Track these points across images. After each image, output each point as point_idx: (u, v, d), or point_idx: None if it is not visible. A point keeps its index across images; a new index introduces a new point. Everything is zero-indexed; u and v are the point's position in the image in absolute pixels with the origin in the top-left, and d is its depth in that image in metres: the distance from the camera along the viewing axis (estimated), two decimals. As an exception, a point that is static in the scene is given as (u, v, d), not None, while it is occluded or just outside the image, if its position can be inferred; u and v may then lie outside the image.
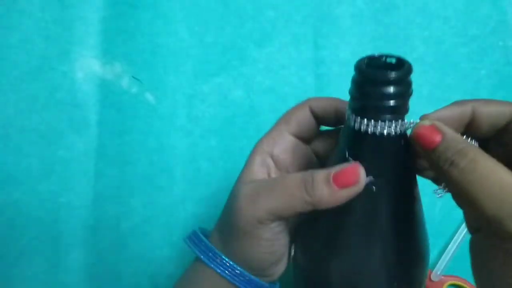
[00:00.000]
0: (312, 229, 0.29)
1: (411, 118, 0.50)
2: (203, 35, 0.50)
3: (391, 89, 0.23)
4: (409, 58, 0.50)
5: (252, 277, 0.30)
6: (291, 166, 0.31)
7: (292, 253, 0.31)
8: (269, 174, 0.31)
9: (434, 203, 0.48)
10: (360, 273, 0.26)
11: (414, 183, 0.27)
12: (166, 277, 0.48)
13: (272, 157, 0.31)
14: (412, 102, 0.50)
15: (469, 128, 0.27)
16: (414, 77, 0.51)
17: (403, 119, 0.24)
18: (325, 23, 0.50)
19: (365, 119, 0.24)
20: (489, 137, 0.27)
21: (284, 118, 0.31)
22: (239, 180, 0.30)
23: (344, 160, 0.26)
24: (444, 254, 0.47)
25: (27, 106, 0.49)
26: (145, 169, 0.49)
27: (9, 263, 0.47)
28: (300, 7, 0.50)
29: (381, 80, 0.23)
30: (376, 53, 0.25)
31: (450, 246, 0.47)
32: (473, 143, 0.27)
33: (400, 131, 0.24)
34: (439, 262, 0.47)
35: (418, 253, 0.27)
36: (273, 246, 0.29)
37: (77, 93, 0.49)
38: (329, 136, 0.32)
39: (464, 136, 0.27)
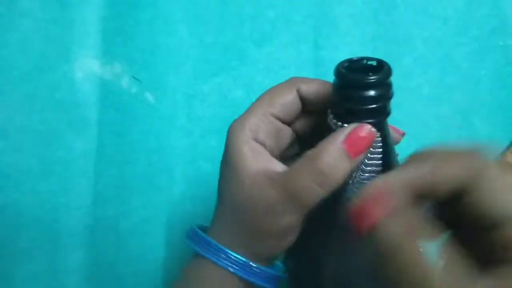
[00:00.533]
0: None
1: (412, 118, 0.50)
2: (203, 35, 0.50)
3: (372, 92, 0.23)
4: (409, 58, 0.51)
5: (272, 271, 0.29)
6: (275, 149, 0.30)
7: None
8: (268, 162, 0.29)
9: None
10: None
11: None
12: (166, 278, 0.48)
13: (258, 142, 0.29)
14: (412, 102, 0.50)
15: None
16: (414, 77, 0.51)
17: (385, 121, 0.24)
18: (325, 23, 0.50)
19: (347, 124, 0.24)
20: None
21: (268, 99, 0.29)
22: (237, 177, 0.28)
23: None
24: None
25: (27, 106, 0.49)
26: (145, 169, 0.49)
27: (8, 263, 0.47)
28: (300, 7, 0.51)
29: (361, 83, 0.23)
30: (355, 56, 0.25)
31: None
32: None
33: (386, 129, 0.24)
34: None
35: None
36: (291, 241, 0.28)
37: (77, 93, 0.49)
38: (310, 116, 0.31)
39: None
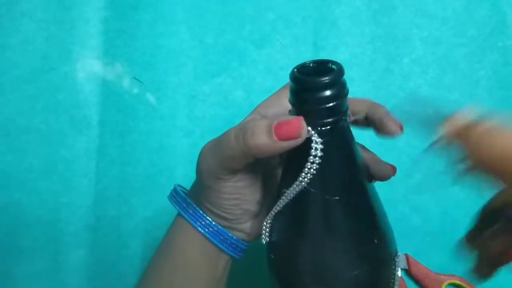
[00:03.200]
0: (280, 221, 0.29)
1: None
2: (203, 36, 0.51)
3: (326, 93, 0.24)
4: (408, 58, 0.51)
5: (220, 227, 0.30)
6: None
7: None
8: None
9: (434, 203, 0.48)
10: (321, 262, 0.27)
11: (365, 176, 0.28)
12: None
13: (263, 117, 0.31)
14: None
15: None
16: (413, 78, 0.51)
17: (344, 118, 0.25)
18: (324, 24, 0.50)
19: (308, 125, 0.25)
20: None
21: (262, 111, 0.32)
22: None
23: (294, 166, 0.26)
24: None
25: (29, 107, 0.49)
26: (146, 169, 0.49)
27: (10, 262, 0.48)
28: (299, 8, 0.51)
29: (313, 86, 0.24)
30: (308, 60, 0.26)
31: None
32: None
33: (344, 128, 0.25)
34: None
35: (379, 227, 0.28)
36: (237, 200, 0.29)
37: (79, 93, 0.49)
38: None
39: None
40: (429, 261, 0.48)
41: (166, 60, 0.50)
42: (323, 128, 0.25)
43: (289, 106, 0.29)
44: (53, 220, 0.48)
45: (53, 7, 0.50)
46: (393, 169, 0.31)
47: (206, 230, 0.30)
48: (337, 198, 0.26)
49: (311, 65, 0.26)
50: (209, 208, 0.30)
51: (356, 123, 0.32)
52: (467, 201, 0.48)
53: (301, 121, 0.25)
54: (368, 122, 0.31)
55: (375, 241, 0.27)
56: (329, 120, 0.24)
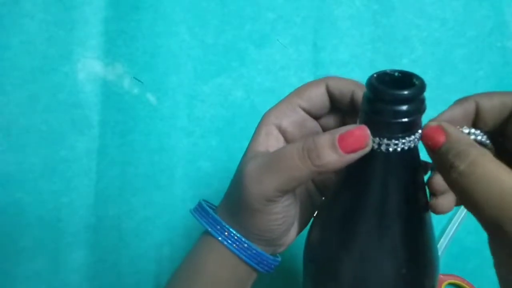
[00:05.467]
0: (327, 217, 0.29)
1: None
2: (203, 36, 0.51)
3: (404, 107, 0.23)
4: (407, 59, 0.51)
5: (260, 250, 0.30)
6: (298, 138, 0.31)
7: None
8: (277, 147, 0.30)
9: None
10: (368, 268, 0.27)
11: (425, 195, 0.27)
12: (167, 276, 0.49)
13: (280, 129, 0.30)
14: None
15: (476, 124, 0.27)
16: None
17: (415, 134, 0.24)
18: (324, 25, 0.51)
19: (378, 138, 0.24)
20: (497, 130, 0.27)
21: (298, 91, 0.30)
22: (245, 153, 0.30)
23: (356, 174, 0.26)
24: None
25: (29, 107, 0.49)
26: (146, 169, 0.49)
27: (11, 262, 0.48)
28: (299, 8, 0.51)
29: (394, 98, 0.22)
30: (388, 69, 0.25)
31: (441, 240, 0.47)
32: (483, 138, 0.27)
33: (413, 146, 0.24)
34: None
35: (428, 258, 0.27)
36: (283, 218, 0.29)
37: (79, 93, 0.50)
38: (339, 112, 0.31)
39: (473, 130, 0.26)
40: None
41: (166, 60, 0.50)
42: (393, 141, 0.24)
43: (300, 113, 0.29)
44: (53, 220, 0.48)
45: (54, 8, 0.51)
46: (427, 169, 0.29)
47: (244, 252, 0.29)
48: (392, 219, 0.25)
49: (395, 74, 0.24)
50: (253, 232, 0.29)
51: (338, 108, 0.31)
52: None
53: (365, 130, 0.24)
54: (353, 105, 0.29)
55: (421, 273, 0.27)
56: (400, 135, 0.23)
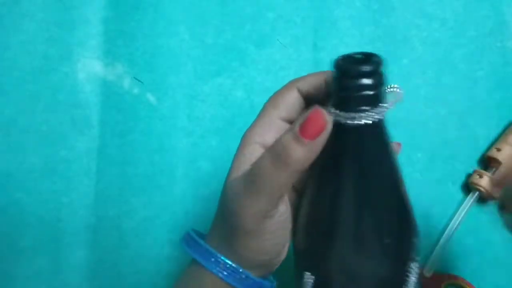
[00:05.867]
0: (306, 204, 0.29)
1: (410, 118, 0.50)
2: (203, 36, 0.51)
3: (367, 81, 0.25)
4: (407, 59, 0.51)
5: (258, 280, 0.29)
6: None
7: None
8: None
9: (434, 203, 0.49)
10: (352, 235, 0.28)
11: (397, 162, 0.28)
12: (167, 276, 0.49)
13: (265, 147, 0.28)
14: (410, 103, 0.50)
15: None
16: (413, 78, 0.51)
17: (382, 107, 0.26)
18: (324, 25, 0.51)
19: (346, 112, 0.25)
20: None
21: (272, 103, 0.30)
22: (228, 175, 0.29)
23: (330, 154, 0.27)
24: (436, 249, 0.47)
25: (29, 107, 0.49)
26: (146, 169, 0.49)
27: (11, 261, 0.48)
28: (299, 8, 0.51)
29: (357, 73, 0.25)
30: (352, 52, 0.27)
31: (442, 240, 0.47)
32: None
33: (380, 118, 0.26)
34: (432, 257, 0.47)
35: (405, 219, 0.29)
36: (278, 237, 0.28)
37: (79, 94, 0.50)
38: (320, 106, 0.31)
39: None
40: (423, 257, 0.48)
41: (166, 60, 0.50)
42: (360, 115, 0.25)
43: (282, 125, 0.29)
44: (53, 220, 0.48)
45: (53, 8, 0.51)
46: (398, 148, 0.30)
47: (241, 285, 0.28)
48: (372, 190, 0.27)
49: (358, 56, 0.27)
50: (248, 257, 0.28)
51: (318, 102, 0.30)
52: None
53: (318, 110, 0.24)
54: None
55: (392, 239, 0.28)
56: (366, 108, 0.25)
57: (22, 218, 0.48)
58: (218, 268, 0.28)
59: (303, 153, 0.25)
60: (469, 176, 0.48)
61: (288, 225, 0.29)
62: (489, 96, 0.49)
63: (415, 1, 0.51)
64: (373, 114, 0.25)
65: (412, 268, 0.29)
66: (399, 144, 0.30)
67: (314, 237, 0.29)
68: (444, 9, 0.51)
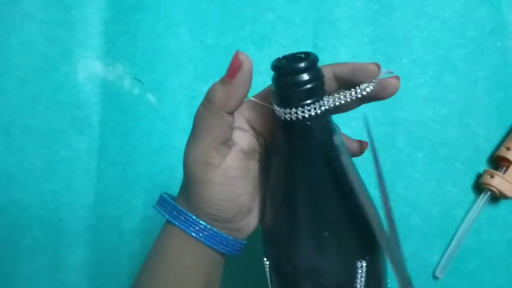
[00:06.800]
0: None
1: (410, 119, 0.50)
2: (204, 37, 0.51)
3: (302, 77, 0.26)
4: (407, 59, 0.51)
5: (216, 230, 0.29)
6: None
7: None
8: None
9: (434, 203, 0.49)
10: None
11: (344, 157, 0.29)
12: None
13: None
14: (410, 103, 0.50)
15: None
16: (413, 78, 0.51)
17: (321, 100, 0.27)
18: (324, 25, 0.51)
19: (288, 108, 0.27)
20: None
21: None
22: None
23: (281, 150, 0.28)
24: (447, 253, 0.47)
25: (30, 107, 0.49)
26: (147, 169, 0.49)
27: (11, 261, 0.48)
28: (299, 9, 0.51)
29: (291, 70, 0.27)
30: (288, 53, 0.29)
31: (453, 243, 0.47)
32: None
33: (322, 110, 0.27)
34: (443, 261, 0.47)
35: (348, 214, 0.29)
36: (230, 194, 0.29)
37: (79, 94, 0.50)
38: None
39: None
40: (429, 261, 0.48)
41: (167, 60, 0.50)
42: (303, 109, 0.26)
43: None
44: (54, 220, 0.48)
45: (54, 8, 0.51)
46: (363, 146, 0.31)
47: (201, 234, 0.29)
48: (320, 181, 0.28)
49: (296, 55, 0.28)
50: (202, 209, 0.29)
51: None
52: (467, 201, 0.48)
53: (237, 51, 0.27)
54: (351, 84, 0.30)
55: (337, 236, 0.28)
56: (308, 102, 0.26)
57: (22, 218, 0.48)
58: (179, 220, 0.30)
59: (224, 91, 0.28)
60: (479, 176, 0.48)
61: (245, 189, 0.30)
62: (489, 96, 0.49)
63: (415, 1, 0.51)
64: (314, 107, 0.26)
65: (359, 266, 0.29)
66: (366, 143, 0.31)
67: (265, 227, 0.31)
68: (444, 9, 0.51)
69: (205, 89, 0.53)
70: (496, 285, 0.47)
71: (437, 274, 0.47)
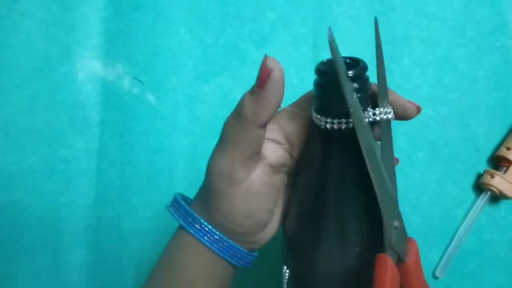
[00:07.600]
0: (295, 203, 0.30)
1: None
2: (203, 36, 0.51)
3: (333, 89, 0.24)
4: (407, 58, 0.51)
5: (231, 242, 0.28)
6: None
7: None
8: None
9: (434, 203, 0.49)
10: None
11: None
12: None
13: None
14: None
15: None
16: (413, 78, 0.51)
17: (366, 112, 0.25)
18: (324, 24, 0.51)
19: (330, 117, 0.25)
20: None
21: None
22: None
23: (315, 160, 0.27)
24: (447, 253, 0.47)
25: (29, 107, 0.49)
26: (146, 169, 0.49)
27: (11, 262, 0.48)
28: (299, 8, 0.51)
29: (334, 78, 0.24)
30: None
31: (453, 243, 0.47)
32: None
33: (367, 122, 0.25)
34: (443, 261, 0.47)
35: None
36: (250, 209, 0.28)
37: (79, 93, 0.50)
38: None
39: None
40: (429, 261, 0.48)
41: (166, 60, 0.50)
42: (346, 120, 0.25)
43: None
44: (53, 220, 0.48)
45: (53, 8, 0.51)
46: (417, 109, 0.29)
47: (215, 245, 0.28)
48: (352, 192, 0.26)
49: (346, 60, 0.26)
50: (219, 221, 0.28)
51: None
52: (467, 201, 0.48)
53: (265, 57, 0.25)
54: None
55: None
56: (338, 114, 0.25)
57: (22, 218, 0.48)
58: (194, 228, 0.28)
59: (254, 103, 0.25)
60: (479, 176, 0.48)
61: (264, 202, 0.28)
62: (489, 96, 0.49)
63: (415, 1, 0.51)
64: (343, 120, 0.25)
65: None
66: (417, 106, 0.29)
67: (289, 236, 0.30)
68: (444, 9, 0.51)
69: (205, 88, 0.54)
70: (496, 285, 0.47)
71: (437, 274, 0.47)
